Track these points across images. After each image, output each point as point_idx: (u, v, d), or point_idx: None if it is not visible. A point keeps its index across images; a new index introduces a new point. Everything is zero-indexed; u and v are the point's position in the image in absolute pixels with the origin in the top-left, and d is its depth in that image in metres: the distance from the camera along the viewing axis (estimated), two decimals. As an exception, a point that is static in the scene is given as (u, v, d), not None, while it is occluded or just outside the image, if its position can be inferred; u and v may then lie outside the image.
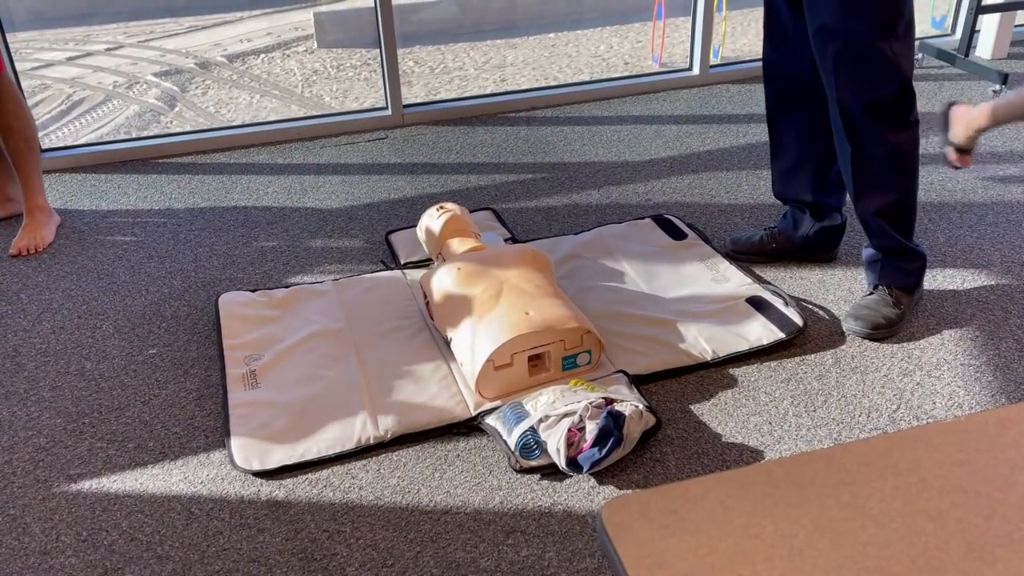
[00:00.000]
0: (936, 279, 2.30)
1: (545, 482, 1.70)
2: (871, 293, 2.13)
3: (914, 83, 1.94)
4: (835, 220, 2.33)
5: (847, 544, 0.69)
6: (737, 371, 1.99)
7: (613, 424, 1.67)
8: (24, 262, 2.57)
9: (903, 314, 2.09)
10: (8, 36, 2.95)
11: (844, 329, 2.11)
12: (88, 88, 4.95)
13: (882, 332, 2.06)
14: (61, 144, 3.41)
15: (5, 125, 2.57)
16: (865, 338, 2.07)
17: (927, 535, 0.70)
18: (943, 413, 1.85)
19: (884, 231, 2.08)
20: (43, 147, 3.07)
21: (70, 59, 5.58)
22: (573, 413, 1.71)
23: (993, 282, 2.28)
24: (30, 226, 2.64)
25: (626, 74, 4.05)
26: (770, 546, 0.70)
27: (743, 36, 5.30)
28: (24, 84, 3.01)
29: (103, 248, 2.63)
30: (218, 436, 1.85)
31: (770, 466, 0.77)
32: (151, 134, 4.08)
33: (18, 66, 3.09)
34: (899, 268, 2.12)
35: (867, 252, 2.17)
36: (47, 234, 2.65)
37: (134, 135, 4.17)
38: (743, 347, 2.03)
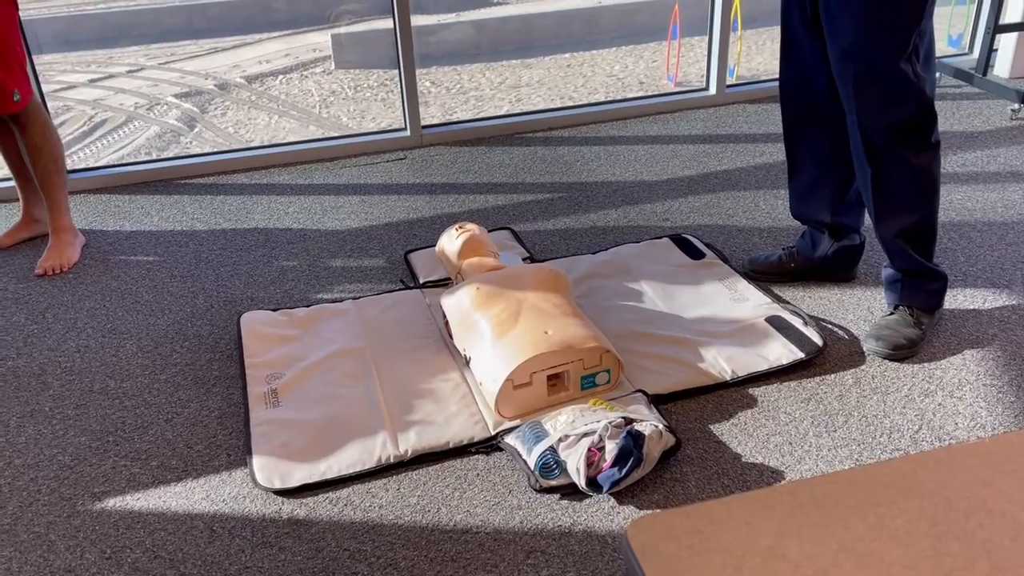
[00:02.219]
0: (957, 298, 2.29)
1: (565, 502, 1.70)
2: (891, 313, 2.13)
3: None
4: (854, 240, 2.32)
5: (873, 565, 0.70)
6: (756, 391, 1.99)
7: (633, 444, 1.67)
8: (50, 281, 2.61)
9: (924, 334, 2.09)
10: (34, 58, 3.00)
11: (864, 349, 2.10)
12: (110, 109, 5.02)
13: (903, 352, 2.05)
14: (83, 165, 3.46)
15: (34, 147, 2.62)
16: (886, 358, 2.06)
17: (953, 556, 0.70)
18: (965, 434, 1.84)
19: (904, 252, 2.07)
20: (68, 168, 3.12)
21: (92, 81, 5.67)
22: (593, 433, 1.72)
23: (1015, 301, 2.27)
24: (56, 246, 2.68)
25: (642, 94, 4.07)
26: (796, 567, 0.70)
27: (758, 55, 5.32)
28: (47, 106, 3.07)
29: (127, 268, 2.66)
30: (240, 454, 1.87)
31: (794, 487, 0.78)
32: (171, 155, 4.13)
33: (43, 88, 3.14)
34: (920, 288, 2.11)
35: (887, 272, 2.16)
36: (72, 254, 2.69)
37: (154, 156, 4.23)
38: (762, 367, 2.03)
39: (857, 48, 1.89)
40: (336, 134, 3.68)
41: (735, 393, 1.98)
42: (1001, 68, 3.93)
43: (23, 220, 2.85)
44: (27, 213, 2.85)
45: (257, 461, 1.81)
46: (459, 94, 5.03)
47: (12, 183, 2.86)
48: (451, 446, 1.84)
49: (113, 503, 1.75)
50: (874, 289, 2.35)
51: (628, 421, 1.75)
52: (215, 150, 3.57)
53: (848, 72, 1.92)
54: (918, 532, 0.73)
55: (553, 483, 1.71)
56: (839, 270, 2.37)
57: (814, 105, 2.14)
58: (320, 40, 6.37)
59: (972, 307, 2.26)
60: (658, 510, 1.67)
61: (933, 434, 1.84)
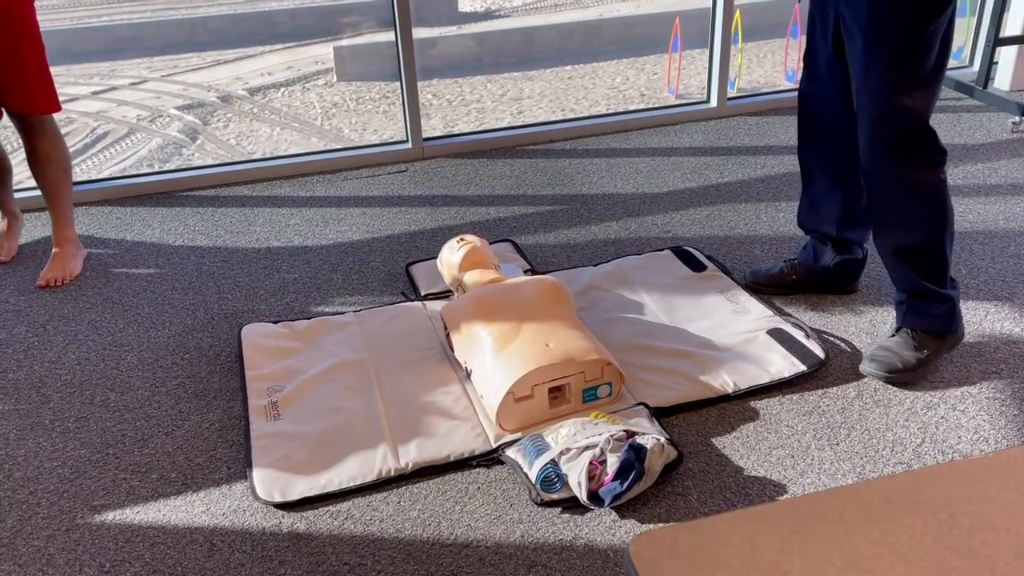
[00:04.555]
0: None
1: (566, 515, 1.69)
2: (894, 334, 2.10)
3: (933, 115, 1.93)
4: (856, 254, 2.32)
5: (877, 582, 0.69)
6: (758, 404, 1.98)
7: (635, 457, 1.67)
8: (51, 293, 2.60)
9: (927, 359, 2.02)
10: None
11: (861, 370, 2.07)
12: (112, 121, 5.03)
13: (899, 376, 2.00)
14: (86, 177, 3.47)
15: (45, 156, 2.63)
16: (882, 381, 2.03)
17: (957, 572, 0.70)
18: (968, 447, 1.83)
19: (903, 273, 2.04)
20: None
21: (95, 93, 5.69)
22: (594, 446, 1.71)
23: (1017, 314, 2.27)
24: (59, 258, 2.68)
25: (643, 106, 4.07)
26: (799, 583, 0.69)
27: (759, 68, 5.33)
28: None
29: (128, 280, 2.66)
30: (240, 467, 1.86)
31: (797, 502, 0.77)
32: (174, 167, 4.14)
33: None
34: (922, 311, 2.05)
35: (896, 293, 2.13)
36: (75, 266, 2.69)
37: (156, 168, 4.24)
38: (764, 380, 2.02)
39: (862, 72, 1.88)
40: (338, 146, 3.69)
41: (737, 406, 1.98)
42: (1002, 81, 3.93)
43: (7, 226, 2.84)
44: (6, 213, 2.84)
45: (257, 474, 1.81)
46: (461, 106, 5.05)
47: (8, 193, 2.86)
48: (452, 459, 1.83)
49: (113, 516, 1.75)
50: (876, 302, 2.35)
51: (630, 434, 1.74)
52: (217, 162, 3.58)
53: (862, 95, 1.92)
54: (922, 548, 0.72)
55: (554, 497, 1.71)
56: (841, 283, 2.36)
57: (829, 118, 2.13)
58: (322, 52, 6.39)
59: (974, 319, 2.25)
60: (660, 524, 1.67)
61: (936, 447, 1.83)
